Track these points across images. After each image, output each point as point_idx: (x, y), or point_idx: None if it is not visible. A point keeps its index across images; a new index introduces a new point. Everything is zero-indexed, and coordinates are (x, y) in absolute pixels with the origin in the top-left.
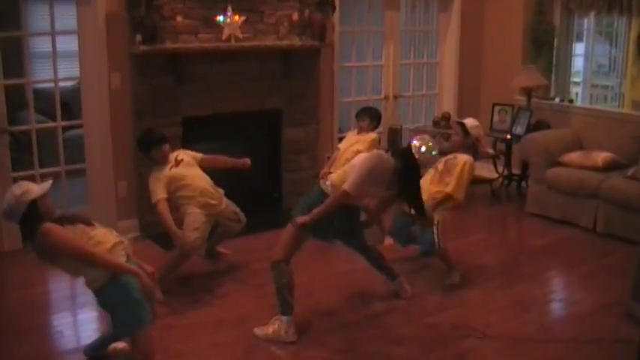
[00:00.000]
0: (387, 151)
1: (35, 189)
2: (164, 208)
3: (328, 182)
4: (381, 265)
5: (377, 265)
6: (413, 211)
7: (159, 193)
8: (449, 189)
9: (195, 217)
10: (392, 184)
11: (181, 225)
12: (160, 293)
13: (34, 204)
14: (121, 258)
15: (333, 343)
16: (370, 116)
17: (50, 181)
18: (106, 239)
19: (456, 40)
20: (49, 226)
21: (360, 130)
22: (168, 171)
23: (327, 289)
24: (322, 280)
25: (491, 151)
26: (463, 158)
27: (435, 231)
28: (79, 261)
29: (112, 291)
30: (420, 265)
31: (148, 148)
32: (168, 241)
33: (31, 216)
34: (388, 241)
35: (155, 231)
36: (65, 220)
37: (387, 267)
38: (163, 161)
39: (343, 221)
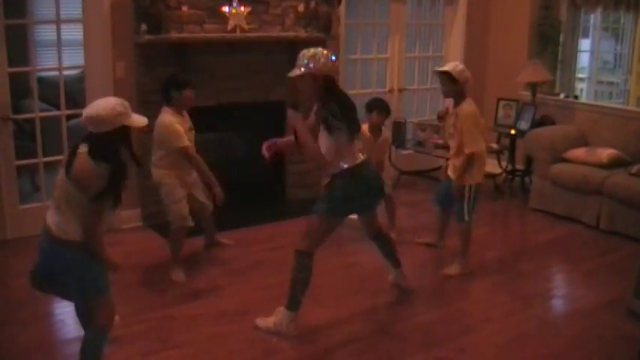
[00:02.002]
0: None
1: (135, 118)
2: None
3: None
4: (389, 251)
5: (385, 249)
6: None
7: (184, 140)
8: (466, 151)
9: (172, 189)
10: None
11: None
12: (182, 274)
13: (127, 130)
14: None
15: (332, 337)
16: (379, 108)
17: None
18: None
19: (461, 34)
20: (102, 171)
21: (371, 123)
22: (179, 124)
23: (327, 283)
24: (322, 274)
25: (495, 145)
26: (462, 111)
27: (466, 203)
28: (83, 208)
29: (75, 256)
30: (423, 258)
31: (172, 88)
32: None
33: (115, 138)
34: (394, 234)
35: (157, 221)
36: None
37: (394, 253)
38: (181, 107)
39: (363, 194)
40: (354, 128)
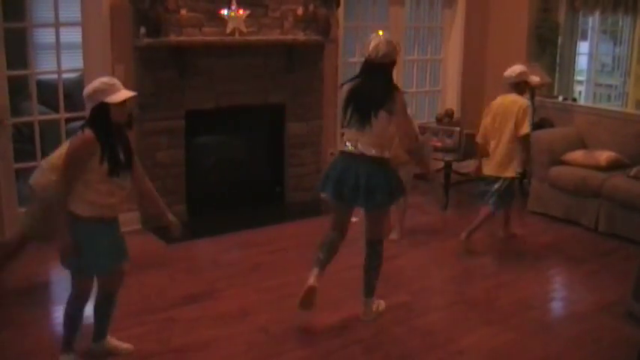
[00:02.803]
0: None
1: (116, 95)
2: None
3: None
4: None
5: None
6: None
7: None
8: (522, 132)
9: None
10: None
11: None
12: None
13: (105, 106)
14: None
15: (332, 340)
16: None
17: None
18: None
19: (460, 36)
20: (89, 139)
21: None
22: None
23: (327, 286)
24: (323, 276)
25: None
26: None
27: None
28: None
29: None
30: (422, 260)
31: None
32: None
33: (98, 114)
34: (393, 236)
35: (156, 224)
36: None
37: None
38: None
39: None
40: None
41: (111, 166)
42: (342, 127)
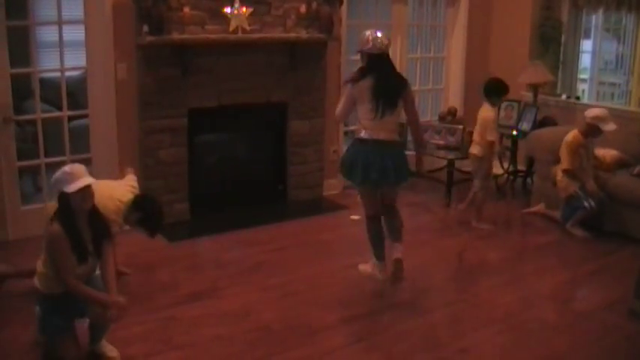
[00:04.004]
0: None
1: (74, 184)
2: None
3: None
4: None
5: (389, 228)
6: None
7: None
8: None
9: None
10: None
11: None
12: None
13: (66, 196)
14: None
15: (333, 339)
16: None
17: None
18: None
19: (463, 35)
20: (56, 235)
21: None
22: None
23: (328, 285)
24: (322, 276)
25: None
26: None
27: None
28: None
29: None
30: (426, 259)
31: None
32: (172, 232)
33: (64, 205)
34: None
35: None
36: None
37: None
38: None
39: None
40: None
41: (77, 255)
42: (366, 119)
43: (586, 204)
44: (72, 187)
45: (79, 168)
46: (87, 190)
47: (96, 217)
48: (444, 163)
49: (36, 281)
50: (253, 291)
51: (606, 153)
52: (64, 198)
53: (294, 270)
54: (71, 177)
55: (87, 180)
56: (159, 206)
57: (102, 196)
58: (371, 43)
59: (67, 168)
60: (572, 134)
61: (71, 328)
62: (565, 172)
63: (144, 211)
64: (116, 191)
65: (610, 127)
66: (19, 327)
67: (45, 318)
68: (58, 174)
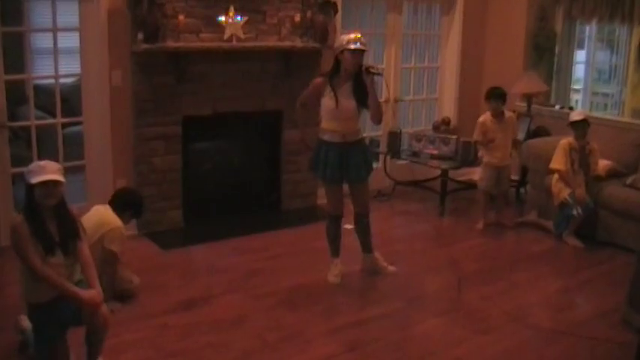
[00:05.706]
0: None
1: (40, 176)
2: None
3: None
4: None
5: (362, 230)
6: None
7: None
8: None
9: None
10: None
11: None
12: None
13: (31, 188)
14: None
15: (327, 347)
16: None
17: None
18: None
19: (457, 44)
20: (16, 224)
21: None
22: None
23: (323, 293)
24: (318, 284)
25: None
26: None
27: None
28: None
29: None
30: (418, 268)
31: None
32: (166, 239)
33: (28, 197)
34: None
35: (152, 229)
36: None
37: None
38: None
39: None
40: None
41: (43, 244)
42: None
43: (574, 212)
44: (35, 179)
45: (52, 165)
46: (50, 185)
47: (63, 214)
48: (438, 172)
49: (22, 294)
50: (247, 299)
51: (599, 163)
52: (28, 189)
53: (288, 278)
54: (40, 170)
55: (54, 176)
56: (135, 193)
57: (103, 224)
58: (351, 44)
59: (41, 162)
60: (566, 138)
61: (63, 339)
62: (551, 171)
63: (132, 207)
64: (109, 219)
65: (574, 117)
66: (16, 333)
67: (37, 329)
68: (31, 165)
